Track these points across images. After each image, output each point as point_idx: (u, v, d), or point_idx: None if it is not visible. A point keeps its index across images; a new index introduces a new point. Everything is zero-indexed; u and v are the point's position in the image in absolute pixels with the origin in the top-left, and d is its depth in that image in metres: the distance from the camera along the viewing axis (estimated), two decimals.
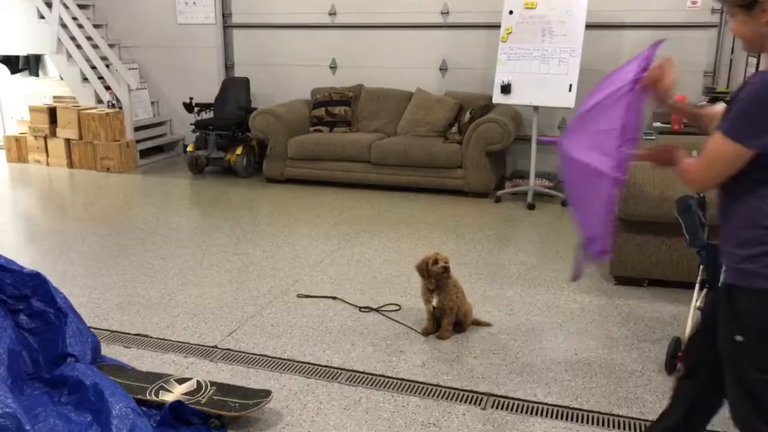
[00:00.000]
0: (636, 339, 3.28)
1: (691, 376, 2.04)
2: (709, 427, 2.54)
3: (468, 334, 3.33)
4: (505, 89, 5.63)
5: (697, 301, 2.93)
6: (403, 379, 2.91)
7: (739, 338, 1.75)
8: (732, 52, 5.72)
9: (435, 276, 3.21)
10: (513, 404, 2.72)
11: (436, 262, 3.20)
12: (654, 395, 2.77)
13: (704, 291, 2.96)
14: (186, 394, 2.62)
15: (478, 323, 3.42)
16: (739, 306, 1.75)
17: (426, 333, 3.32)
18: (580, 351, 3.16)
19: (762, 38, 1.76)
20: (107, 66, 7.24)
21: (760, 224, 1.70)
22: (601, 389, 2.82)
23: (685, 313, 3.51)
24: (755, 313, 1.72)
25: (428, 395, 2.79)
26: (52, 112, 7.32)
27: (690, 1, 5.96)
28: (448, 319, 3.25)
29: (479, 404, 2.72)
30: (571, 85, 5.39)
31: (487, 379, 2.90)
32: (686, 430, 2.08)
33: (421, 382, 2.88)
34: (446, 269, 3.19)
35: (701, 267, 2.92)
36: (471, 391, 2.81)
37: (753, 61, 4.84)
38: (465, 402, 2.73)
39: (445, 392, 2.81)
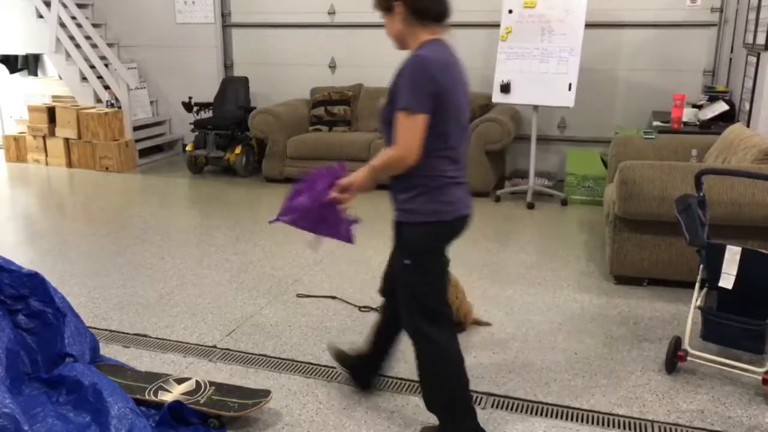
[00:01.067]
0: (636, 338, 3.27)
1: (385, 307, 2.60)
2: (708, 426, 2.54)
3: (467, 334, 3.32)
4: (505, 88, 5.63)
5: (697, 300, 2.93)
6: (402, 379, 2.90)
7: (407, 262, 2.27)
8: (731, 51, 5.72)
9: None
10: (513, 404, 2.71)
11: None
12: (654, 395, 2.76)
13: (704, 290, 2.96)
14: (185, 394, 2.62)
15: (478, 323, 3.42)
16: (403, 237, 2.29)
17: None
18: (580, 350, 3.15)
19: (403, 35, 2.27)
20: (106, 65, 7.23)
21: (417, 174, 2.19)
22: (601, 389, 2.82)
23: (685, 313, 3.51)
24: (414, 240, 2.25)
25: None
26: (51, 112, 7.31)
27: (689, 0, 5.96)
28: None
29: (479, 404, 2.71)
30: (570, 84, 5.38)
31: (487, 379, 2.90)
32: (374, 351, 2.66)
33: None
34: None
35: (701, 266, 2.92)
36: (471, 391, 2.80)
37: (752, 60, 4.83)
38: None
39: None
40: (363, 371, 2.77)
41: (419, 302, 2.29)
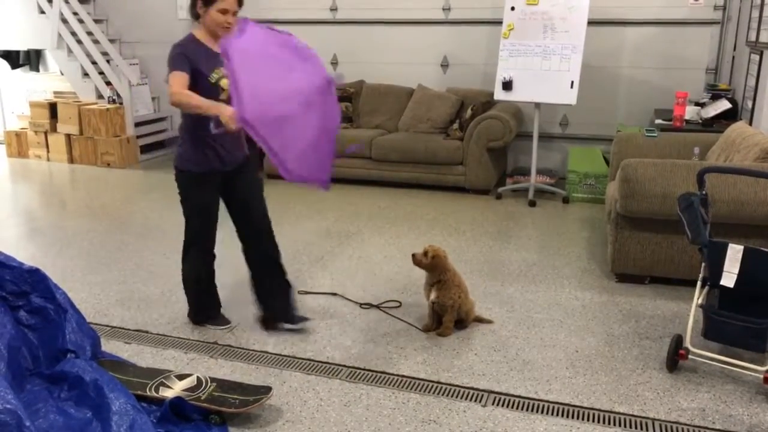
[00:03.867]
0: (637, 336, 3.27)
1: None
2: (709, 425, 2.54)
3: (469, 331, 3.32)
4: (507, 86, 5.62)
5: (698, 298, 2.93)
6: (403, 376, 2.90)
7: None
8: (734, 48, 5.71)
9: (427, 270, 3.26)
10: (514, 401, 2.72)
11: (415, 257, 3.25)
12: (655, 393, 2.76)
13: (706, 288, 2.95)
14: (186, 390, 2.62)
15: (480, 320, 3.42)
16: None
17: (427, 330, 3.32)
18: (581, 348, 3.15)
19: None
20: (108, 61, 7.23)
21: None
22: (602, 386, 2.82)
23: (687, 311, 3.51)
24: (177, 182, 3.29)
25: (429, 392, 2.78)
26: (53, 108, 7.31)
27: None
28: (449, 316, 3.25)
29: (480, 401, 2.71)
30: (572, 82, 5.38)
31: (488, 376, 2.90)
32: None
33: (422, 379, 2.88)
34: (414, 256, 3.23)
35: (703, 264, 2.91)
36: (472, 388, 2.81)
37: (755, 58, 4.82)
38: (465, 399, 2.73)
39: (445, 389, 2.80)
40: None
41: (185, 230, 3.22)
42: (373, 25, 6.87)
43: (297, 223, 5.13)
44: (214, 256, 3.31)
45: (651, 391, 2.78)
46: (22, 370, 2.61)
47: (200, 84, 2.93)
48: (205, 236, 3.23)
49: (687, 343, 2.89)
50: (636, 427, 2.54)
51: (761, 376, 2.73)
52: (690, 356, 2.88)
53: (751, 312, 2.74)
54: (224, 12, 2.96)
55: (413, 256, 3.24)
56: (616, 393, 2.77)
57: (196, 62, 2.93)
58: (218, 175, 3.16)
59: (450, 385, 2.83)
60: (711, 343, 2.95)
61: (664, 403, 2.69)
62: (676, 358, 2.90)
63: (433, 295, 3.24)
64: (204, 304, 3.38)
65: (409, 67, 6.84)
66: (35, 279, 2.81)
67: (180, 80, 2.87)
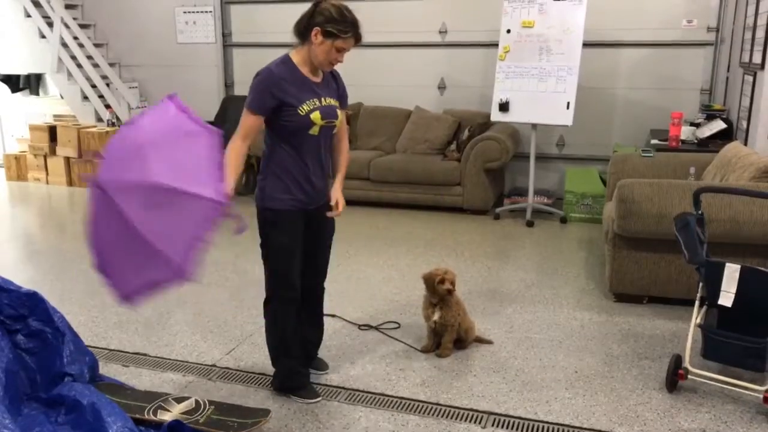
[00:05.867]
0: (636, 356, 3.26)
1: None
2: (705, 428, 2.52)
3: (468, 352, 3.32)
4: (503, 107, 5.66)
5: (697, 318, 2.93)
6: (402, 398, 2.89)
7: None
8: (728, 69, 5.77)
9: (439, 294, 3.20)
10: (513, 422, 2.70)
11: (442, 281, 3.17)
12: (655, 413, 2.75)
13: (704, 308, 2.96)
14: (184, 413, 2.61)
15: (480, 341, 3.41)
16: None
17: (426, 351, 3.31)
18: (581, 368, 3.15)
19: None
20: (107, 85, 7.29)
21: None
22: (602, 407, 2.81)
23: (685, 330, 3.51)
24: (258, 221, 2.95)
25: (428, 414, 2.77)
26: (52, 131, 7.35)
27: (686, 20, 6.02)
28: (449, 336, 3.24)
29: (479, 423, 2.70)
30: (568, 103, 5.42)
31: (488, 397, 2.89)
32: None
33: (421, 401, 2.87)
34: (450, 292, 3.19)
35: (700, 284, 2.92)
36: (471, 410, 2.79)
37: (749, 79, 4.87)
38: (465, 420, 2.72)
39: (445, 411, 2.79)
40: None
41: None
42: (370, 48, 6.94)
43: None
44: (300, 307, 2.91)
45: (651, 412, 2.77)
46: (20, 394, 2.60)
47: (288, 117, 2.68)
48: (288, 284, 2.81)
49: (686, 363, 2.89)
50: None
51: (761, 396, 2.72)
52: (689, 376, 2.87)
53: (749, 331, 2.74)
54: (340, 50, 2.74)
55: (433, 284, 3.18)
56: (615, 413, 2.76)
57: (284, 94, 2.68)
58: (303, 213, 2.83)
59: (449, 406, 2.82)
60: (710, 363, 2.95)
61: (665, 423, 2.68)
62: (675, 378, 2.90)
63: (436, 316, 3.22)
64: (291, 370, 2.90)
65: (407, 89, 6.89)
66: (33, 302, 2.81)
67: (248, 127, 2.71)
